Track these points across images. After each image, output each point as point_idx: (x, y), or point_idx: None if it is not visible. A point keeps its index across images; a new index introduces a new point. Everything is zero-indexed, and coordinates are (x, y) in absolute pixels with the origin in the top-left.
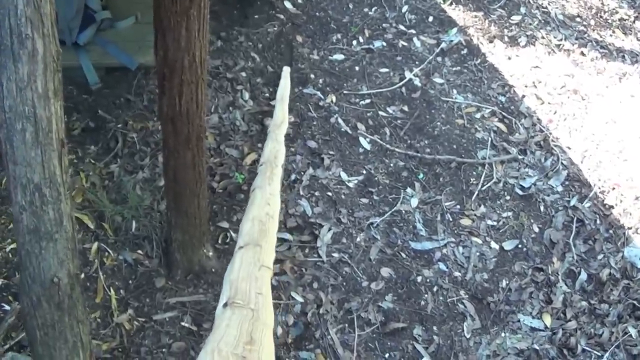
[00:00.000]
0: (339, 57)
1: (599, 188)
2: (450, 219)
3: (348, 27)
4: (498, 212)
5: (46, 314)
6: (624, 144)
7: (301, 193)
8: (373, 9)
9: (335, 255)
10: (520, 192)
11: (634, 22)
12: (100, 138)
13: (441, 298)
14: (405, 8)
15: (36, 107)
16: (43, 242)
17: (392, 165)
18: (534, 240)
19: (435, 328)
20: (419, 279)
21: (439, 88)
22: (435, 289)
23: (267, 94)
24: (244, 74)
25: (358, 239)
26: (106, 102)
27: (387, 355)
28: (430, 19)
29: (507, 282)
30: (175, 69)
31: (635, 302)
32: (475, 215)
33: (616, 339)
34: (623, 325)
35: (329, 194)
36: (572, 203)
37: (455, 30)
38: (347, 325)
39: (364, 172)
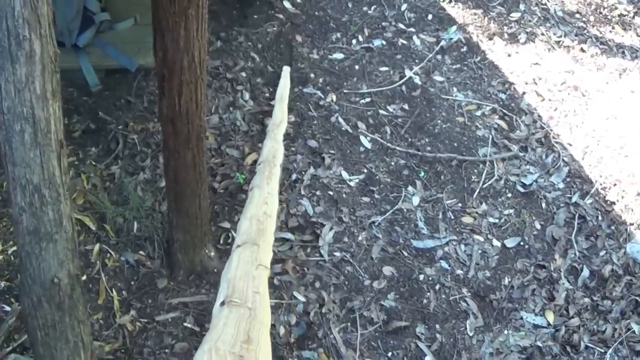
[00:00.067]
0: (338, 56)
1: (601, 184)
2: (452, 217)
3: (347, 26)
4: (499, 209)
5: (47, 314)
6: (625, 140)
7: (302, 192)
8: (372, 8)
9: (337, 254)
10: (521, 189)
11: (633, 17)
12: (101, 140)
13: (443, 296)
14: (404, 6)
15: (34, 108)
16: (43, 242)
17: (393, 163)
18: (536, 238)
19: (437, 326)
20: (421, 277)
21: (439, 86)
22: (437, 287)
23: (267, 94)
24: (244, 74)
25: (360, 238)
26: (106, 103)
27: (390, 354)
28: (430, 17)
29: (510, 279)
30: (175, 70)
31: (637, 298)
32: (476, 212)
33: (619, 335)
34: (626, 321)
35: (330, 193)
36: (573, 199)
37: (454, 28)
38: (349, 324)
39: (365, 171)
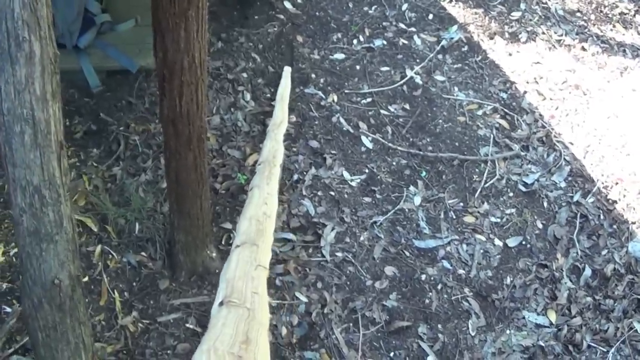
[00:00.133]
0: (339, 56)
1: (602, 183)
2: (454, 217)
3: (348, 26)
4: (501, 209)
5: (47, 315)
6: (627, 139)
7: (304, 193)
8: (373, 8)
9: (339, 254)
10: (523, 189)
11: (634, 16)
12: (103, 141)
13: (445, 296)
14: (405, 6)
15: (34, 109)
16: (43, 244)
17: (394, 163)
18: (538, 237)
19: (440, 326)
20: (423, 277)
21: (440, 86)
22: (439, 287)
23: (269, 95)
24: (245, 74)
25: (361, 238)
26: (108, 105)
27: (392, 354)
28: (430, 16)
29: (512, 279)
30: (175, 71)
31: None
32: (478, 212)
33: (621, 334)
34: (628, 320)
35: (332, 193)
36: (575, 199)
37: (455, 27)
38: (351, 324)
39: (367, 171)
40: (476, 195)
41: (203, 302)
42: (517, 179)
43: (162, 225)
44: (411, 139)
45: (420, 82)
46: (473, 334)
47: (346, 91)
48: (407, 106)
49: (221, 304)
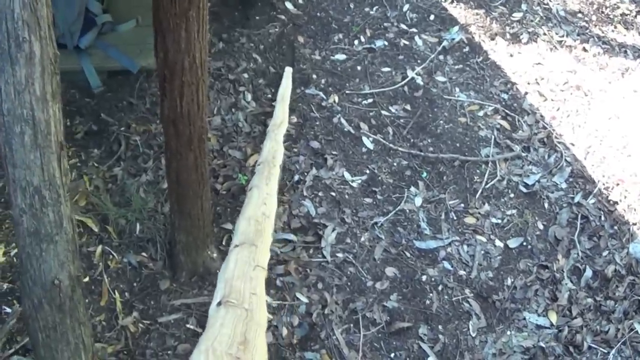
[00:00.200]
0: (340, 57)
1: (603, 184)
2: (455, 218)
3: (349, 26)
4: (502, 210)
5: (47, 316)
6: (628, 140)
7: (305, 193)
8: (374, 9)
9: (340, 255)
10: (524, 190)
11: (635, 17)
12: (103, 141)
13: (446, 297)
14: (406, 7)
15: (34, 109)
16: (43, 244)
17: (395, 164)
18: (539, 238)
19: (440, 327)
20: (424, 278)
21: (441, 86)
22: (440, 288)
23: (270, 95)
24: (246, 75)
25: (362, 239)
26: (109, 105)
27: (392, 355)
28: (432, 17)
29: (512, 280)
30: (176, 71)
31: None
32: (479, 213)
33: (622, 335)
34: (629, 321)
35: (333, 194)
36: (576, 200)
37: (456, 28)
38: (352, 325)
39: (368, 171)
40: (477, 196)
41: (204, 303)
42: (518, 180)
43: (162, 226)
44: (412, 140)
45: (421, 83)
46: (474, 335)
47: (347, 92)
48: (408, 107)
49: (219, 303)
